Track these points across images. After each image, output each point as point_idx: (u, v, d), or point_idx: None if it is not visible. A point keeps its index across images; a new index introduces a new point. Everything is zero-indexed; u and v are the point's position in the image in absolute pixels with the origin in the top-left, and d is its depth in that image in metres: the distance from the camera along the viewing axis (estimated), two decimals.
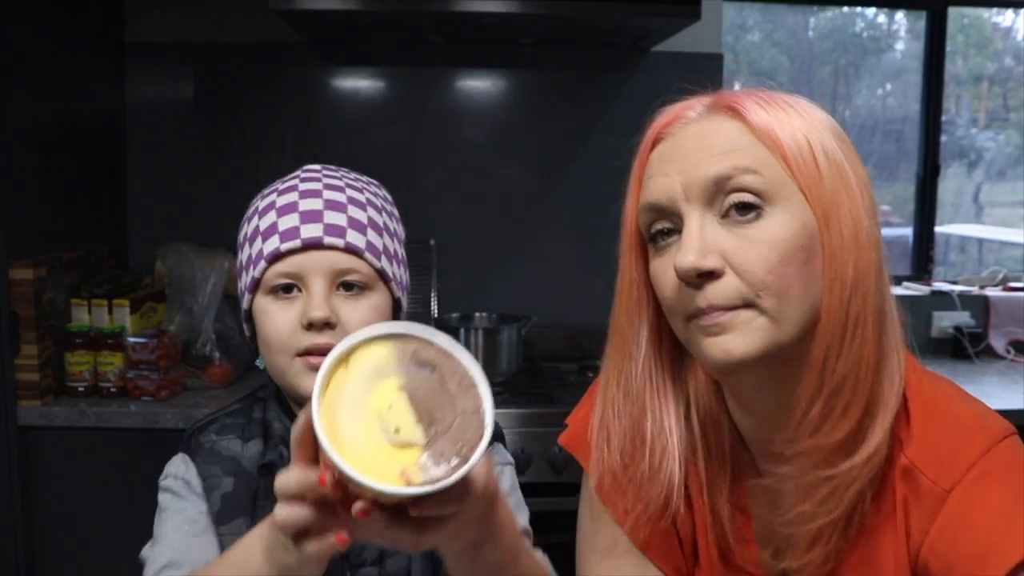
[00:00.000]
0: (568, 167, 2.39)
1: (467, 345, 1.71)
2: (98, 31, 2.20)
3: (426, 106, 2.37)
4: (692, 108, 0.76)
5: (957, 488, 0.70)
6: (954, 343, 2.43)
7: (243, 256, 0.92)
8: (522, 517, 0.92)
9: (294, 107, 2.34)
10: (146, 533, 0.91)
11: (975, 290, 2.55)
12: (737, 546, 0.82)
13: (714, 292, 0.70)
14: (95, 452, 1.83)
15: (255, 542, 0.68)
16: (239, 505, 0.89)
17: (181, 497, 0.91)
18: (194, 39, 2.29)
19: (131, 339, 1.89)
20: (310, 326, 0.85)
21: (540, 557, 0.84)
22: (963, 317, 2.45)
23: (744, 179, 0.70)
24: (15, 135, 1.80)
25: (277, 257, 0.86)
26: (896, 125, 2.79)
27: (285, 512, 0.61)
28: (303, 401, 0.86)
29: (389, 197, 0.97)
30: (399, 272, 0.93)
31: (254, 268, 0.88)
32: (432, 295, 2.27)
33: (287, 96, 2.34)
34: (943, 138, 2.67)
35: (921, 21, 2.68)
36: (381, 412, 0.61)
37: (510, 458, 0.99)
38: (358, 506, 0.59)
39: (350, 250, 0.87)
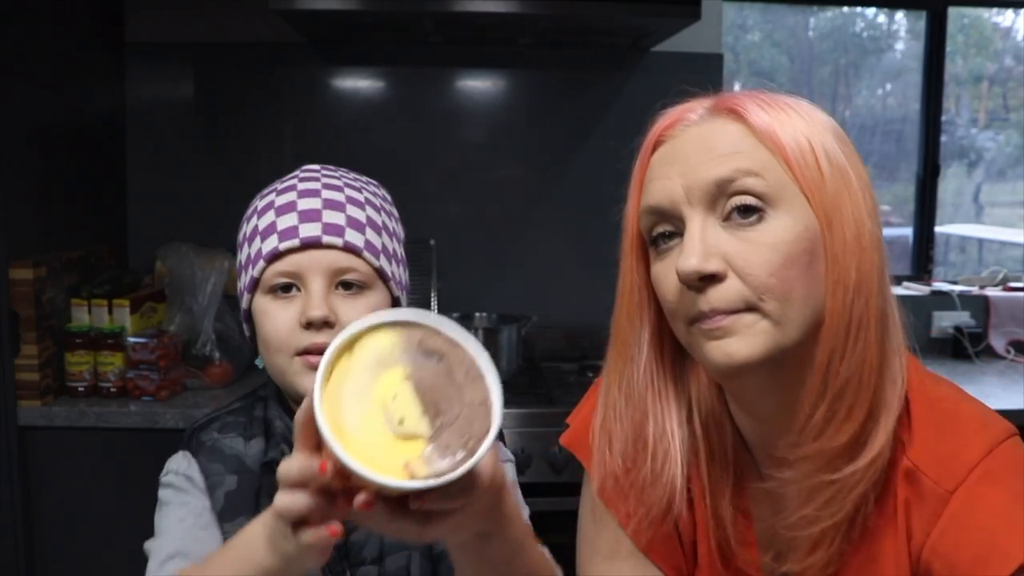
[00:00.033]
0: (568, 167, 2.39)
1: None
2: (98, 31, 2.20)
3: (426, 106, 2.37)
4: (693, 110, 0.76)
5: (960, 489, 0.70)
6: (954, 343, 2.43)
7: (242, 256, 0.92)
8: (522, 515, 0.92)
9: (294, 107, 2.34)
10: (146, 533, 0.91)
11: (975, 290, 2.55)
12: (738, 549, 0.82)
13: (716, 296, 0.69)
14: (95, 452, 1.83)
15: (259, 530, 0.67)
16: (243, 503, 0.89)
17: (184, 491, 0.91)
18: (194, 39, 2.29)
19: (131, 339, 1.89)
20: (309, 325, 0.85)
21: (543, 551, 0.84)
22: (963, 317, 2.45)
23: (746, 182, 0.70)
24: (15, 135, 1.80)
25: (276, 256, 0.87)
26: (896, 125, 2.79)
27: (285, 500, 0.61)
28: (302, 400, 0.86)
29: (388, 197, 0.97)
30: (398, 271, 0.93)
31: (253, 268, 0.88)
32: (432, 295, 2.27)
33: (287, 96, 2.34)
34: (943, 138, 2.67)
35: (921, 21, 2.68)
36: (385, 402, 0.60)
37: (510, 455, 0.99)
38: (360, 498, 0.57)
39: (349, 249, 0.87)
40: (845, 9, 2.76)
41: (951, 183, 2.84)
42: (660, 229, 0.74)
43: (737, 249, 0.70)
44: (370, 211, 0.91)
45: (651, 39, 2.23)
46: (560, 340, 2.36)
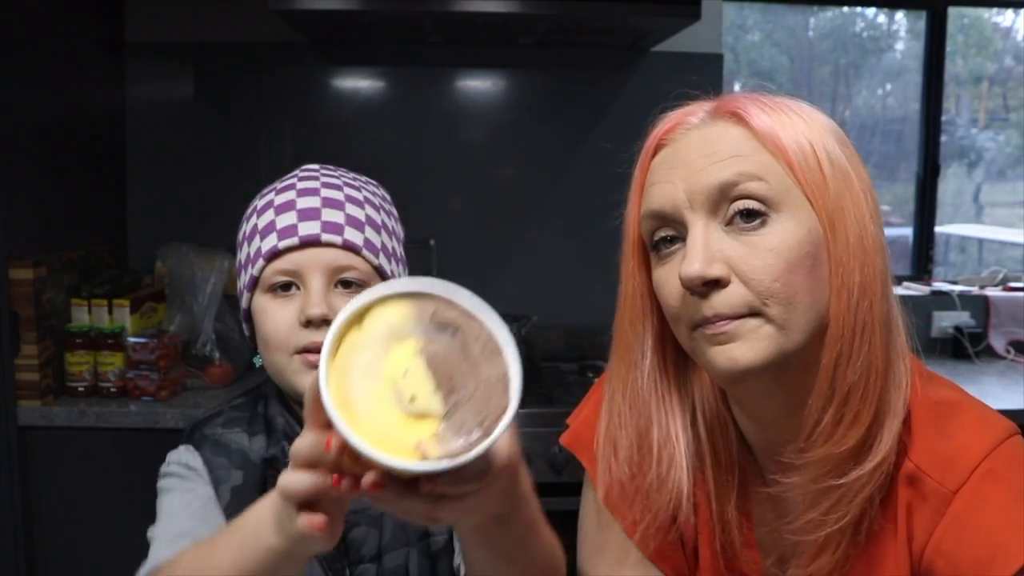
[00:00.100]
0: (568, 167, 2.39)
1: None
2: (98, 31, 2.20)
3: (426, 106, 2.37)
4: (694, 114, 0.75)
5: (963, 488, 0.70)
6: (954, 343, 2.43)
7: (242, 255, 0.92)
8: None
9: (294, 107, 2.34)
10: (146, 534, 0.90)
11: (975, 290, 2.55)
12: (740, 552, 0.82)
13: (720, 301, 0.69)
14: (95, 452, 1.83)
15: (266, 511, 0.65)
16: (248, 498, 0.88)
17: (188, 479, 0.90)
18: (194, 39, 2.29)
19: (131, 339, 1.89)
20: (308, 323, 0.85)
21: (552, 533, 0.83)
22: (963, 317, 2.45)
23: (749, 186, 0.70)
24: (15, 135, 1.80)
25: (275, 255, 0.87)
26: (896, 125, 2.78)
27: (287, 478, 0.59)
28: (302, 399, 0.86)
29: (388, 196, 0.98)
30: (397, 270, 0.93)
31: (252, 266, 0.88)
32: None
33: (287, 96, 2.34)
34: (943, 138, 2.67)
35: (921, 21, 2.68)
36: (396, 378, 0.56)
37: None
38: (368, 478, 0.55)
39: (348, 247, 0.87)
40: (845, 9, 2.76)
41: (951, 183, 2.84)
42: (662, 234, 0.74)
43: (740, 254, 0.69)
44: (369, 210, 0.91)
45: (651, 39, 2.23)
46: (560, 340, 2.36)
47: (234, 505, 0.88)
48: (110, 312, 1.94)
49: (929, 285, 2.58)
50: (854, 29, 2.83)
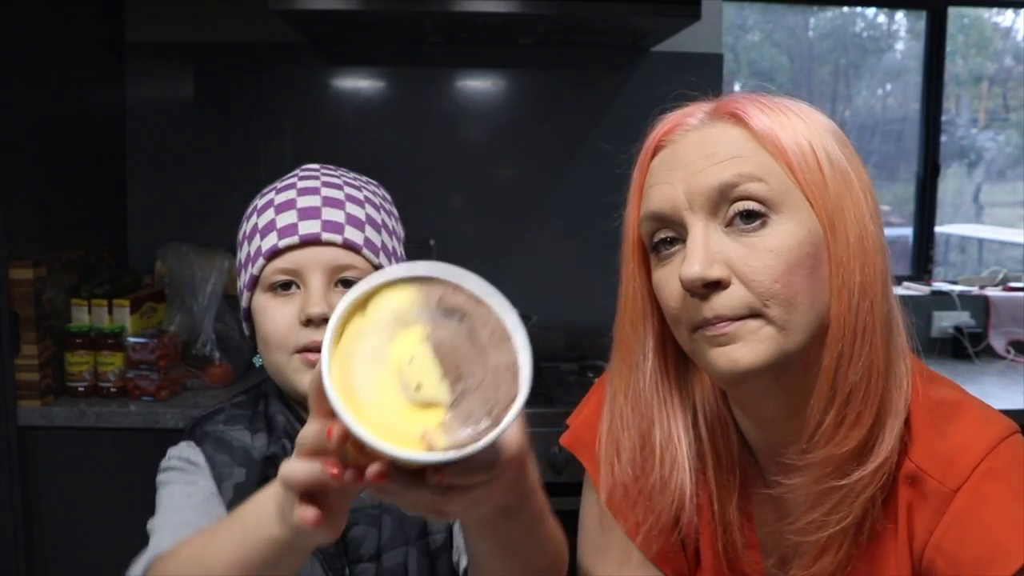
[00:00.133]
0: (568, 167, 2.39)
1: None
2: (98, 31, 2.20)
3: (426, 106, 2.36)
4: (693, 115, 0.75)
5: (964, 487, 0.70)
6: (954, 343, 2.43)
7: (242, 254, 0.92)
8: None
9: (294, 107, 2.34)
10: (147, 533, 0.90)
11: (975, 290, 2.55)
12: (741, 552, 0.82)
13: (720, 302, 0.69)
14: (95, 452, 1.83)
15: (268, 500, 0.63)
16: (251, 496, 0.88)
17: (189, 473, 0.89)
18: (194, 39, 2.29)
19: (131, 339, 1.89)
20: (308, 322, 0.84)
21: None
22: (963, 317, 2.45)
23: (749, 187, 0.70)
24: (15, 135, 1.80)
25: (275, 254, 0.87)
26: (896, 125, 2.78)
27: (289, 467, 0.57)
28: (301, 399, 0.86)
29: (388, 196, 0.98)
30: None
31: (252, 265, 0.88)
32: None
33: (287, 96, 2.34)
34: (943, 138, 2.67)
35: (921, 21, 2.68)
36: (401, 366, 0.54)
37: None
38: (373, 468, 0.53)
39: (348, 246, 0.87)
40: (845, 9, 2.76)
41: (951, 183, 2.84)
42: (661, 235, 0.74)
43: (740, 255, 0.69)
44: (369, 209, 0.91)
45: (651, 39, 2.23)
46: (560, 340, 2.36)
47: (236, 502, 0.86)
48: (110, 312, 1.94)
49: (929, 285, 2.58)
50: (854, 29, 2.83)
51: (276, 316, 0.86)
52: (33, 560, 1.84)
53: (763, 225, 0.70)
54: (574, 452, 0.89)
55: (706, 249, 0.69)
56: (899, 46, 2.84)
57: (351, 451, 0.54)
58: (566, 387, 2.05)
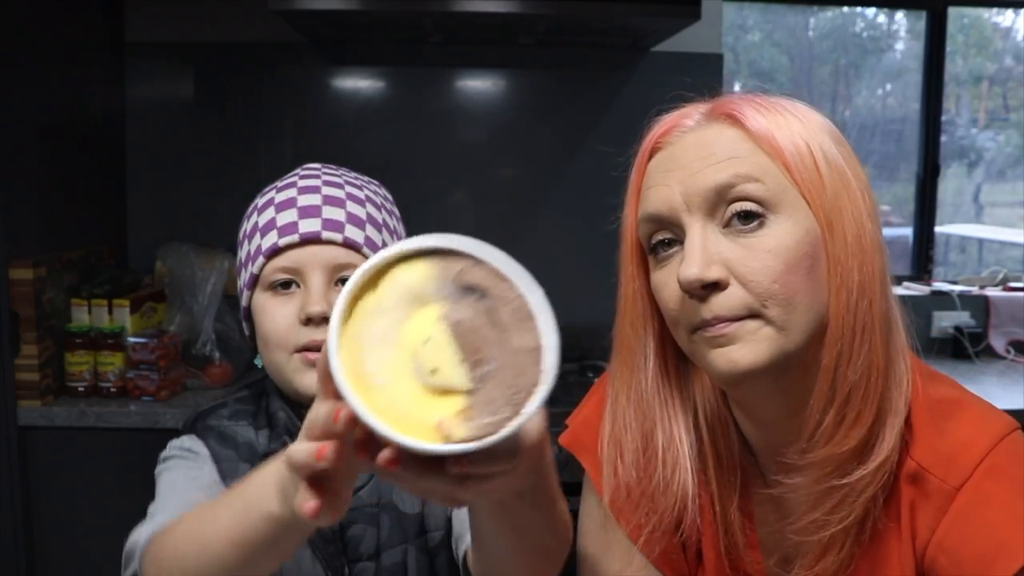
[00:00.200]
0: (568, 167, 2.39)
1: None
2: (98, 31, 2.20)
3: (426, 106, 2.36)
4: (689, 116, 0.75)
5: (966, 485, 0.70)
6: (954, 343, 2.43)
7: (242, 253, 0.92)
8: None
9: (294, 107, 2.34)
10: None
11: (975, 290, 2.55)
12: (743, 552, 0.82)
13: (719, 303, 0.69)
14: (95, 452, 1.83)
15: (270, 478, 0.61)
16: None
17: (192, 461, 0.88)
18: (194, 39, 2.29)
19: (131, 339, 1.89)
20: (308, 321, 0.84)
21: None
22: (963, 317, 2.45)
23: (746, 187, 0.70)
24: (15, 135, 1.80)
25: (275, 252, 0.86)
26: (896, 125, 2.78)
27: (296, 450, 0.54)
28: (301, 398, 0.86)
29: (389, 196, 0.97)
30: None
31: (252, 264, 0.88)
32: None
33: (287, 96, 2.34)
34: (943, 138, 2.67)
35: (921, 21, 2.68)
36: (416, 348, 0.50)
37: None
38: (384, 455, 0.50)
39: (348, 245, 0.86)
40: (845, 9, 2.76)
41: (951, 183, 2.84)
42: (659, 237, 0.74)
43: (738, 256, 0.69)
44: (370, 208, 0.91)
45: (651, 39, 2.23)
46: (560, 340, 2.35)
47: None
48: (110, 312, 1.94)
49: (929, 285, 2.58)
50: (854, 29, 2.83)
51: (276, 315, 0.86)
52: (33, 560, 1.84)
53: (761, 225, 0.70)
54: (573, 452, 0.89)
55: (704, 250, 0.69)
56: (899, 46, 2.84)
57: (359, 433, 0.50)
58: (566, 387, 2.04)
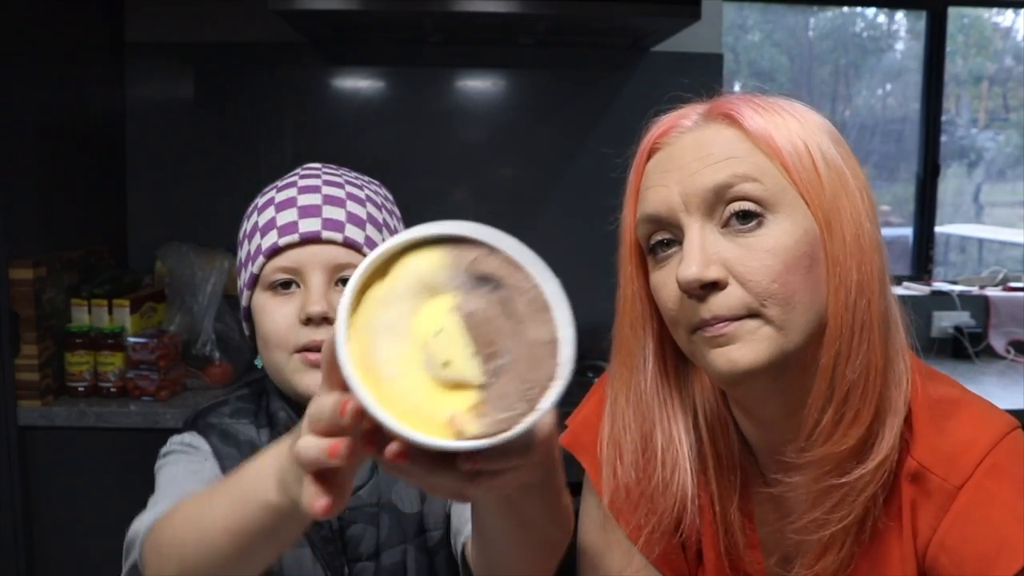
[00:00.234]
0: (568, 167, 2.39)
1: None
2: (98, 31, 2.20)
3: (426, 106, 2.36)
4: (687, 117, 0.75)
5: (967, 484, 0.70)
6: (954, 343, 2.43)
7: (242, 253, 0.92)
8: None
9: (294, 107, 2.34)
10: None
11: (975, 290, 2.55)
12: (743, 552, 0.82)
13: (718, 303, 0.69)
14: (95, 452, 1.83)
15: (268, 467, 0.60)
16: None
17: (193, 456, 0.88)
18: (194, 39, 2.29)
19: (131, 339, 1.89)
20: (308, 321, 0.84)
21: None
22: (963, 317, 2.45)
23: (744, 187, 0.70)
24: (15, 135, 1.80)
25: (275, 252, 0.86)
26: (896, 125, 2.78)
27: (305, 446, 0.52)
28: (301, 399, 0.86)
29: (390, 196, 0.97)
30: None
31: (252, 264, 0.88)
32: None
33: (287, 96, 2.34)
34: (943, 138, 2.67)
35: (921, 21, 2.68)
36: (427, 339, 0.49)
37: None
38: (393, 448, 0.48)
39: (349, 245, 0.86)
40: (845, 9, 2.76)
41: (951, 183, 2.84)
42: (658, 237, 0.74)
43: (737, 255, 0.69)
44: (371, 208, 0.91)
45: (651, 39, 2.23)
46: None
47: None
48: (110, 312, 1.94)
49: (929, 285, 2.58)
50: (854, 29, 2.83)
51: (276, 315, 0.86)
52: (33, 560, 1.84)
53: (759, 225, 0.70)
54: (573, 453, 0.89)
55: (702, 250, 0.69)
56: (899, 46, 2.84)
57: (367, 425, 0.49)
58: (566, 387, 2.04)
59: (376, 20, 2.01)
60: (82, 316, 1.93)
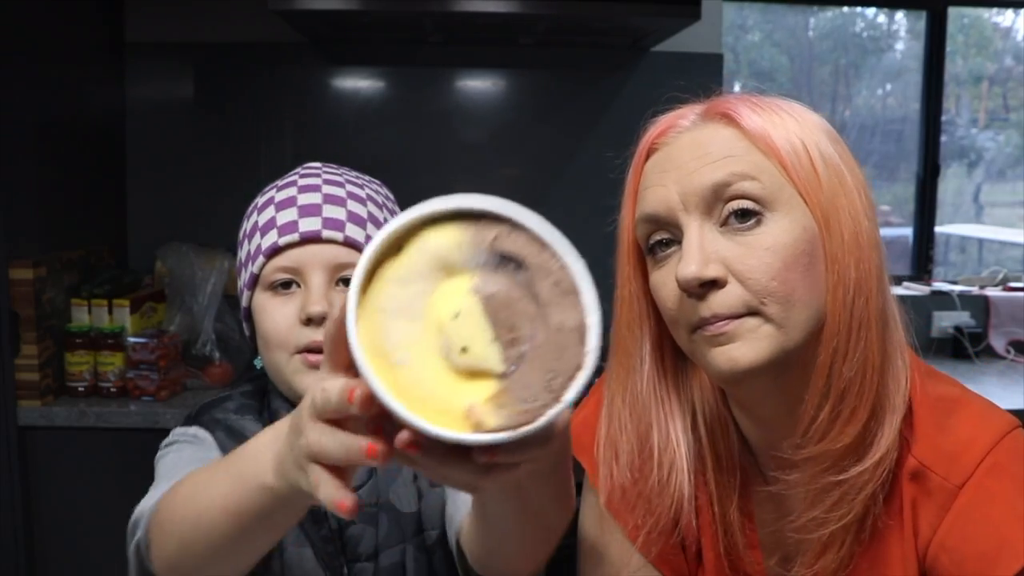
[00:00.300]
0: (568, 167, 2.39)
1: None
2: (98, 31, 2.20)
3: (426, 106, 2.37)
4: (685, 117, 0.75)
5: (968, 483, 0.70)
6: (954, 343, 2.43)
7: (242, 253, 0.91)
8: None
9: (294, 107, 2.34)
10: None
11: (975, 290, 2.55)
12: (743, 552, 0.82)
13: (718, 301, 0.69)
14: (95, 452, 1.83)
15: (266, 449, 0.58)
16: None
17: (197, 447, 0.87)
18: (194, 39, 2.29)
19: (131, 339, 1.89)
20: (308, 321, 0.83)
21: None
22: (963, 317, 2.45)
23: (743, 185, 0.70)
24: (15, 135, 1.80)
25: (275, 252, 0.86)
26: (896, 125, 2.78)
27: (322, 443, 0.49)
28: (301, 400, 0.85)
29: (391, 195, 0.97)
30: None
31: (252, 264, 0.88)
32: None
33: (287, 96, 2.34)
34: (943, 138, 2.67)
35: (921, 21, 2.68)
36: (443, 323, 0.45)
37: None
38: (404, 437, 0.45)
39: (349, 244, 0.86)
40: (845, 9, 2.76)
41: (951, 183, 2.84)
42: (657, 237, 0.74)
43: (736, 254, 0.70)
44: (371, 207, 0.90)
45: (651, 39, 2.23)
46: None
47: None
48: (110, 312, 1.94)
49: (929, 285, 2.58)
50: (854, 29, 2.83)
51: (276, 315, 0.86)
52: (33, 560, 1.84)
53: (758, 223, 0.70)
54: (573, 453, 0.89)
55: (702, 249, 0.69)
56: (899, 46, 2.84)
57: (374, 410, 0.46)
58: None
59: (376, 20, 2.01)
60: (82, 316, 1.93)
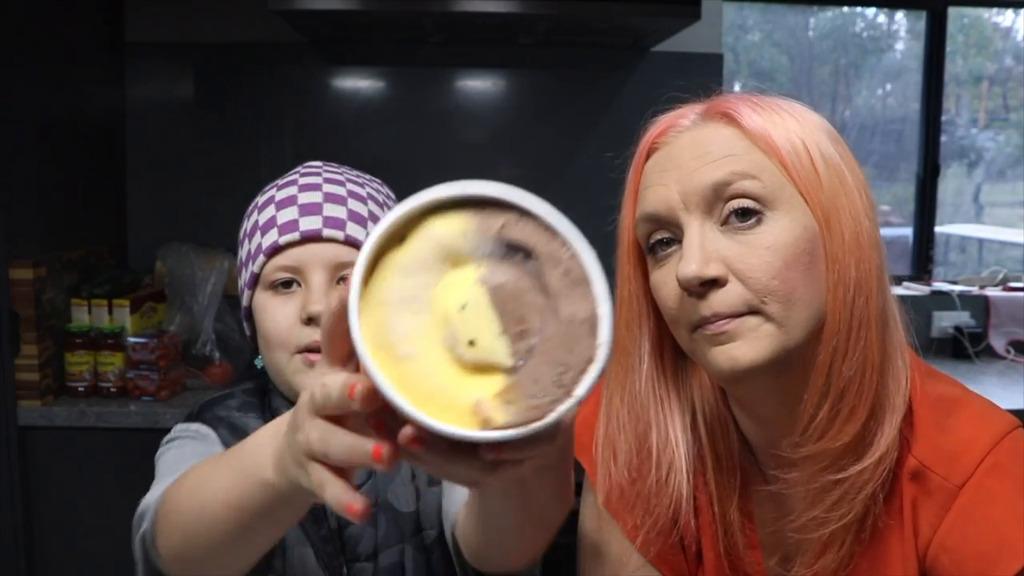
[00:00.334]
0: (568, 167, 2.39)
1: None
2: (98, 31, 2.20)
3: (426, 106, 2.37)
4: (685, 116, 0.75)
5: (968, 483, 0.70)
6: (954, 343, 2.43)
7: (243, 253, 0.91)
8: None
9: (294, 107, 2.34)
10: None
11: (975, 290, 2.55)
12: (743, 552, 0.82)
13: (718, 300, 0.69)
14: (95, 452, 1.83)
15: (267, 445, 0.58)
16: None
17: (200, 442, 0.87)
18: (194, 39, 2.29)
19: (131, 339, 1.89)
20: (309, 321, 0.83)
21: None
22: (963, 317, 2.45)
23: (743, 185, 0.70)
24: (15, 135, 1.80)
25: (276, 251, 0.85)
26: (896, 125, 2.78)
27: (329, 444, 0.48)
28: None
29: (392, 194, 0.97)
30: None
31: (253, 263, 0.88)
32: None
33: (287, 96, 2.34)
34: (943, 138, 2.67)
35: (921, 21, 2.68)
36: (449, 315, 0.44)
37: None
38: (407, 433, 0.44)
39: (350, 243, 0.86)
40: (845, 9, 2.76)
41: (951, 183, 2.84)
42: (658, 236, 0.74)
43: (737, 253, 0.70)
44: (372, 206, 0.90)
45: (651, 39, 2.23)
46: None
47: None
48: (110, 312, 1.94)
49: (929, 285, 2.58)
50: (854, 29, 2.83)
51: (277, 315, 0.85)
52: (33, 560, 1.84)
53: (758, 222, 0.70)
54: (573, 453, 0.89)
55: (702, 248, 0.69)
56: (899, 46, 2.84)
57: (376, 404, 0.44)
58: None
59: (376, 20, 2.01)
60: (82, 316, 1.93)
